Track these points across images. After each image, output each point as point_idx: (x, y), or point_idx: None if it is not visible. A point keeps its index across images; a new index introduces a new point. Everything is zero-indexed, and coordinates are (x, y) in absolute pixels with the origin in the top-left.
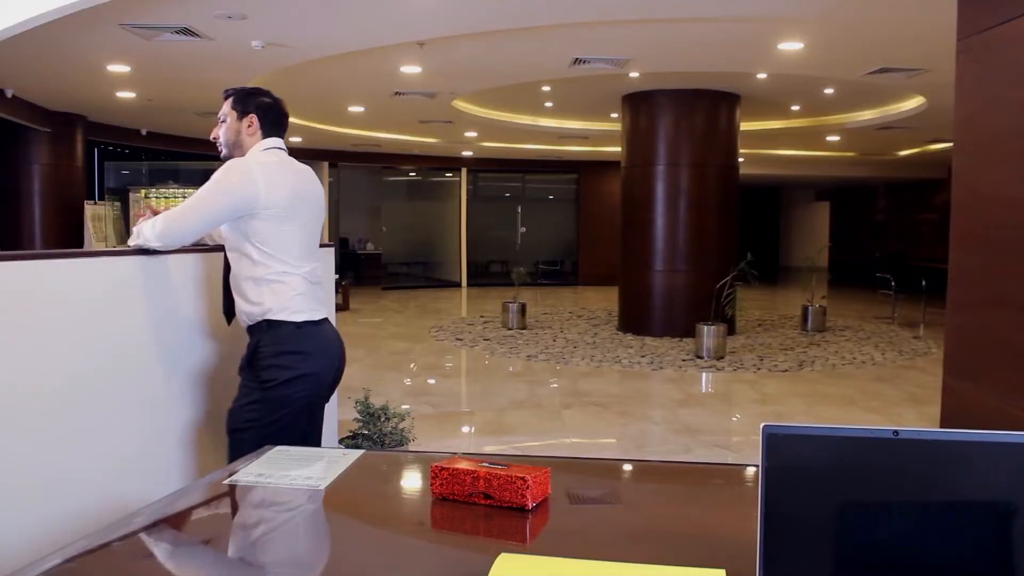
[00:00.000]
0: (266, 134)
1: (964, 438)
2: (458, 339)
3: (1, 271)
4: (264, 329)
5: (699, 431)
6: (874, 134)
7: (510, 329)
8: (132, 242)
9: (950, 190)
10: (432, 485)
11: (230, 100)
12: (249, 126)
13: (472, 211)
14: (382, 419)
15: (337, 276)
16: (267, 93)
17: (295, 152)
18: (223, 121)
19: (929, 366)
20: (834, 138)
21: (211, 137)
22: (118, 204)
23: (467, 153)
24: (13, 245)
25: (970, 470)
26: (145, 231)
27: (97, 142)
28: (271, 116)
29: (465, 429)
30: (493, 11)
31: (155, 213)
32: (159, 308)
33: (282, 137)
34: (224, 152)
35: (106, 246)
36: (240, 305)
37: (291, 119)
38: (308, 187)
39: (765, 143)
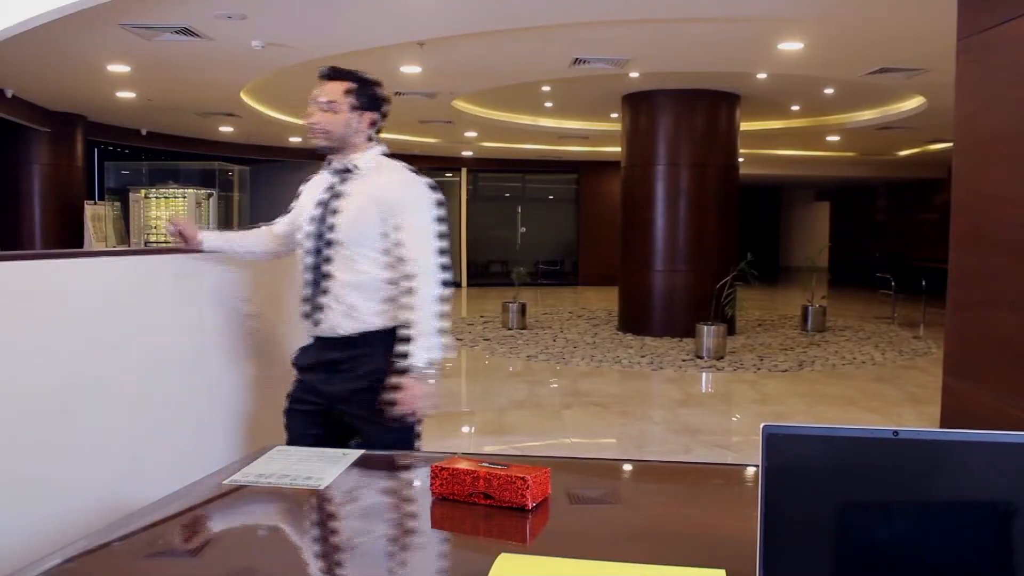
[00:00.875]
0: (375, 137)
1: (964, 438)
2: (458, 339)
3: (1, 271)
4: (393, 336)
5: (699, 431)
6: (874, 134)
7: (510, 329)
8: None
9: (950, 190)
10: (432, 485)
11: (345, 87)
12: (366, 123)
13: (472, 211)
14: None
15: None
16: (381, 85)
17: (294, 152)
18: (333, 111)
19: (929, 366)
20: (834, 138)
21: (312, 122)
22: (118, 204)
23: (467, 153)
24: (13, 245)
25: (970, 470)
26: (434, 294)
27: (97, 142)
28: (385, 117)
29: (465, 429)
30: (493, 11)
31: (181, 231)
32: (160, 309)
33: None
34: (324, 144)
35: (106, 246)
36: (364, 315)
37: (290, 119)
38: None
39: (765, 143)
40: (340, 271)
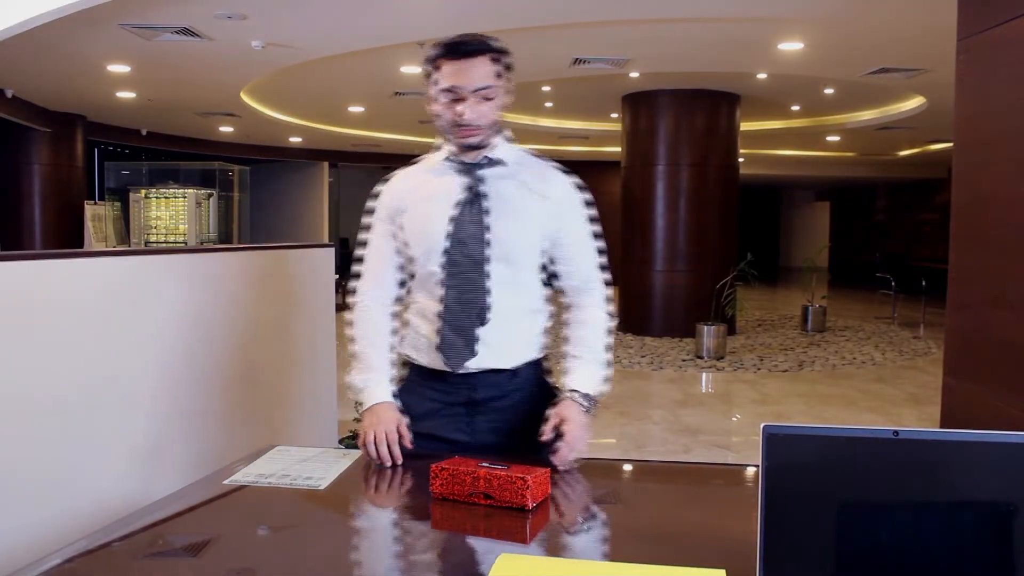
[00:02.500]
0: None
1: (964, 438)
2: None
3: (1, 271)
4: (541, 368)
5: (699, 431)
6: (874, 134)
7: None
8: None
9: (950, 190)
10: (432, 485)
11: (496, 62)
12: (509, 102)
13: None
14: None
15: (337, 276)
16: None
17: (294, 152)
18: (490, 98)
19: (929, 366)
20: (834, 138)
21: (467, 118)
22: (118, 204)
23: None
24: (13, 245)
25: (970, 470)
26: (608, 317)
27: (97, 142)
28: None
29: None
30: (493, 11)
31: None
32: (160, 309)
33: None
34: (479, 139)
35: (106, 246)
36: (527, 344)
37: (291, 119)
38: None
39: (765, 143)
40: (503, 292)
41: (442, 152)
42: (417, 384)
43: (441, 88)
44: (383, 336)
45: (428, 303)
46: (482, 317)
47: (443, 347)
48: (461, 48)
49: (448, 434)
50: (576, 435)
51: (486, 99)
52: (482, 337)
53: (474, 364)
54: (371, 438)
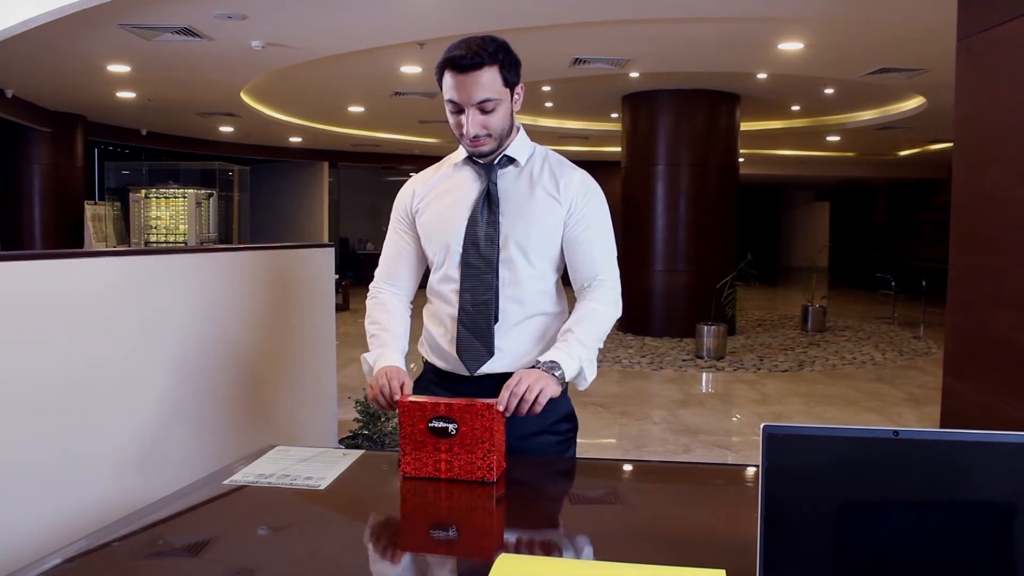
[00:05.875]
0: None
1: (964, 438)
2: None
3: (1, 271)
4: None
5: (699, 431)
6: (874, 134)
7: None
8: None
9: (950, 190)
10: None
11: (498, 71)
12: (520, 102)
13: None
14: (382, 419)
15: (337, 276)
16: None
17: (294, 152)
18: (490, 111)
19: (929, 366)
20: (834, 138)
21: (474, 131)
22: (118, 204)
23: None
24: (13, 245)
25: (970, 470)
26: (612, 317)
27: (97, 142)
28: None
29: None
30: (493, 11)
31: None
32: (159, 308)
33: None
34: (488, 148)
35: (106, 246)
36: (532, 350)
37: (291, 119)
38: None
39: (765, 143)
40: (517, 294)
41: (461, 152)
42: (433, 383)
43: (445, 99)
44: (396, 319)
45: (443, 307)
46: (488, 316)
47: (461, 350)
48: (460, 63)
49: None
50: (521, 379)
51: (488, 111)
52: (496, 338)
53: (489, 367)
54: (375, 392)
